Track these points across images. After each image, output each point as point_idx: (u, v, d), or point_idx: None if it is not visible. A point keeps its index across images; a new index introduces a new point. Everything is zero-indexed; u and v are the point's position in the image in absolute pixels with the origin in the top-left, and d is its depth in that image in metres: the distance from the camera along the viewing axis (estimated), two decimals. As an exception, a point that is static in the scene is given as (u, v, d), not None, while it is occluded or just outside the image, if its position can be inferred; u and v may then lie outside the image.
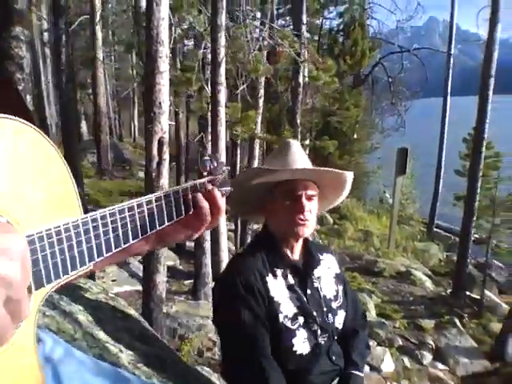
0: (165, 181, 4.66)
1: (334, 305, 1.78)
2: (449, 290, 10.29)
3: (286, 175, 1.69)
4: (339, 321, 1.77)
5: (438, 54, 17.38)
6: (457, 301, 9.68)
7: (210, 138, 5.54)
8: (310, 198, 1.70)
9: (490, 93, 9.48)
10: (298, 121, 8.32)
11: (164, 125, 4.53)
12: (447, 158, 16.33)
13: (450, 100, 16.49)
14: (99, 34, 14.19)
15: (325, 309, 1.73)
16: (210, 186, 1.01)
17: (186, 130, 10.13)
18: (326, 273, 1.82)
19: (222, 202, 1.01)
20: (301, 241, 1.77)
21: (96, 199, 10.69)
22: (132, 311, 3.60)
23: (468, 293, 10.16)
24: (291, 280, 1.70)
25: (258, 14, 6.08)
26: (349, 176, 1.79)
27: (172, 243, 1.08)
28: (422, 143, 19.74)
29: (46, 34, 16.09)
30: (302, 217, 1.67)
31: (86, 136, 19.99)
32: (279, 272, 1.68)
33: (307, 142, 9.52)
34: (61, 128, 10.90)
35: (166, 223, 0.90)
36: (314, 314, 1.68)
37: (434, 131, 17.13)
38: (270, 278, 1.65)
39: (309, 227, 1.71)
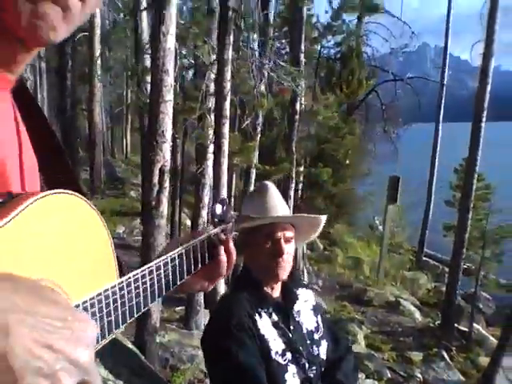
0: (164, 209, 4.66)
1: (317, 336, 1.84)
2: (437, 322, 10.30)
3: (266, 221, 1.77)
4: (323, 351, 1.83)
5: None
6: (445, 333, 9.68)
7: (209, 168, 5.58)
8: (288, 240, 1.78)
9: (483, 125, 9.63)
10: (294, 148, 8.38)
11: (166, 153, 4.54)
12: (438, 186, 16.51)
13: (441, 127, 16.76)
14: (97, 52, 14.22)
15: (308, 341, 1.79)
16: (223, 236, 1.06)
17: (182, 152, 10.16)
18: (304, 306, 1.88)
19: (234, 250, 1.05)
20: (280, 281, 1.84)
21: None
22: (129, 344, 3.55)
23: (456, 325, 10.17)
24: (275, 317, 1.75)
25: (256, 44, 6.18)
26: (323, 219, 1.91)
27: (188, 292, 1.14)
28: (413, 169, 19.93)
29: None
30: (280, 260, 1.74)
31: (79, 152, 19.90)
32: (264, 311, 1.74)
33: (302, 168, 9.56)
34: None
35: (186, 277, 0.96)
36: (300, 348, 1.74)
37: (425, 158, 17.33)
38: (257, 317, 1.70)
39: (288, 268, 1.78)
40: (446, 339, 9.37)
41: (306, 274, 11.36)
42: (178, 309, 7.42)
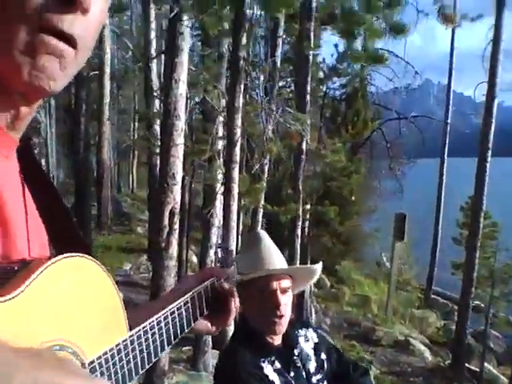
0: (173, 250, 4.70)
1: (315, 379, 1.81)
2: (447, 361, 10.13)
3: (262, 273, 1.75)
4: None
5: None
6: (456, 373, 9.52)
7: (217, 208, 5.66)
8: (284, 291, 1.76)
9: (488, 164, 9.71)
10: (300, 186, 8.45)
11: (176, 195, 4.62)
12: (444, 224, 16.48)
13: (446, 163, 16.86)
14: (107, 91, 14.53)
15: None
16: (226, 285, 1.09)
17: (190, 190, 10.26)
18: (305, 346, 1.86)
19: (237, 296, 1.09)
20: None
21: (94, 256, 10.59)
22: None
23: (467, 364, 10.00)
24: (278, 364, 1.74)
25: (263, 90, 6.33)
26: (319, 268, 1.89)
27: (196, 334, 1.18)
28: (419, 206, 19.96)
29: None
30: (277, 312, 1.72)
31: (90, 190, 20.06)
32: (267, 359, 1.74)
33: (308, 206, 9.61)
34: (75, 190, 11.08)
35: (192, 324, 1.00)
36: None
37: (431, 194, 17.35)
38: (262, 365, 1.71)
39: (286, 321, 1.76)
40: (456, 379, 9.20)
41: (313, 312, 11.25)
42: (185, 349, 7.36)
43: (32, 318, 0.60)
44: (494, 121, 9.88)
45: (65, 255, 0.65)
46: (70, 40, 0.63)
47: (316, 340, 1.92)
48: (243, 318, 1.85)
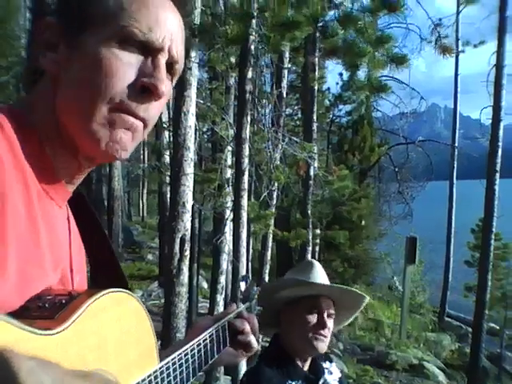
0: (185, 277, 4.81)
1: None
2: (463, 385, 10.00)
3: (312, 290, 1.80)
4: None
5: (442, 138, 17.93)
6: (472, 397, 9.38)
7: (227, 234, 5.80)
8: (330, 316, 1.81)
9: (496, 187, 9.76)
10: (309, 211, 8.55)
11: (187, 223, 4.75)
12: (456, 246, 16.41)
13: (455, 186, 16.90)
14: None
15: None
16: (246, 314, 1.15)
17: (199, 216, 10.39)
18: (329, 378, 1.90)
19: (257, 326, 1.16)
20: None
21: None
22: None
23: (483, 388, 9.86)
24: None
25: (270, 120, 6.51)
26: (366, 299, 1.92)
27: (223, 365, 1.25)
28: (429, 229, 19.87)
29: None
30: (322, 332, 1.76)
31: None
32: (293, 381, 1.77)
33: (318, 231, 9.69)
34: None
35: (216, 356, 1.07)
36: None
37: (441, 217, 17.30)
38: None
39: (326, 343, 1.80)
40: (473, 404, 9.07)
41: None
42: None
43: (77, 350, 0.66)
44: (500, 144, 9.97)
45: (108, 290, 0.72)
46: (143, 120, 0.76)
47: (339, 375, 1.97)
48: (276, 339, 1.89)
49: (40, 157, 0.73)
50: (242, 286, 1.24)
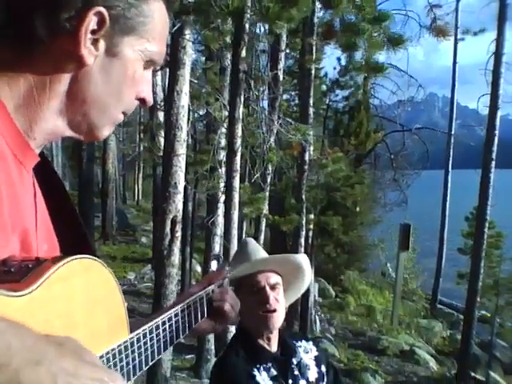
0: (176, 258, 4.78)
1: None
2: (453, 371, 10.09)
3: (246, 269, 1.79)
4: None
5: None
6: (462, 383, 9.46)
7: (220, 217, 5.76)
8: (273, 288, 1.78)
9: (492, 175, 9.75)
10: (304, 196, 8.51)
11: (178, 204, 4.71)
12: (449, 233, 16.48)
13: (451, 174, 16.93)
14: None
15: None
16: (216, 289, 1.18)
17: (193, 200, 10.36)
18: (305, 357, 1.87)
19: (235, 299, 1.19)
20: (276, 332, 1.83)
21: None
22: (140, 394, 3.58)
23: (473, 374, 9.94)
24: (274, 371, 1.75)
25: (265, 102, 6.46)
26: (303, 258, 1.90)
27: (201, 334, 1.26)
28: (424, 216, 19.97)
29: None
30: (268, 307, 1.74)
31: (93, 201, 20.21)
32: (262, 366, 1.75)
33: (312, 216, 9.66)
34: (78, 201, 11.25)
35: (188, 331, 1.07)
36: None
37: (435, 205, 17.36)
38: (256, 373, 1.72)
39: (279, 317, 1.77)
40: (462, 390, 9.16)
41: (318, 321, 11.25)
42: (188, 357, 7.39)
43: (44, 315, 0.63)
44: (497, 132, 9.94)
45: (76, 256, 0.70)
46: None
47: (316, 353, 1.93)
48: (239, 327, 1.88)
49: (6, 121, 0.71)
50: (214, 264, 1.25)
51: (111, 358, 0.77)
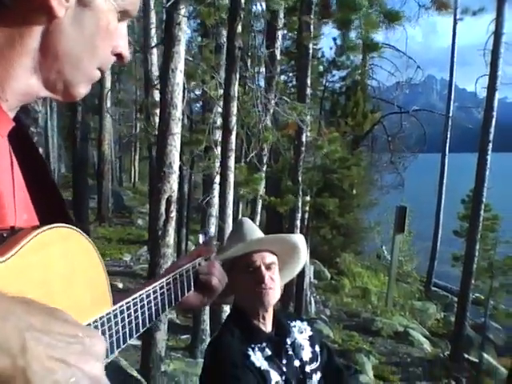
0: (170, 238, 4.75)
1: (308, 368, 1.82)
2: (447, 353, 10.18)
3: (241, 249, 1.78)
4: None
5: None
6: (455, 364, 9.56)
7: (215, 198, 5.72)
8: (268, 267, 1.78)
9: (489, 157, 9.72)
10: (300, 178, 8.47)
11: (173, 184, 4.66)
12: (445, 216, 16.50)
13: (448, 157, 16.92)
14: (108, 84, 14.53)
15: (301, 376, 1.79)
16: (203, 262, 1.17)
17: (189, 181, 10.31)
18: (299, 337, 1.87)
19: (222, 271, 1.18)
20: (271, 310, 1.82)
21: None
22: (134, 373, 3.59)
23: (466, 355, 10.05)
24: (268, 351, 1.75)
25: (262, 80, 6.37)
26: (299, 238, 1.89)
27: (189, 308, 1.22)
28: (420, 199, 19.97)
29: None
30: (263, 286, 1.74)
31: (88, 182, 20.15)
32: (257, 346, 1.75)
33: (308, 198, 9.64)
34: (72, 182, 11.15)
35: (174, 303, 1.06)
36: (293, 382, 1.74)
37: (432, 187, 17.37)
38: (251, 352, 1.72)
39: (274, 294, 1.77)
40: (455, 370, 9.25)
41: (313, 303, 11.31)
42: (183, 337, 7.41)
43: (20, 283, 0.61)
44: (495, 114, 9.87)
45: (54, 225, 0.68)
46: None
47: (310, 333, 1.93)
48: (234, 306, 1.87)
49: None
50: (201, 239, 1.23)
51: (98, 327, 0.76)
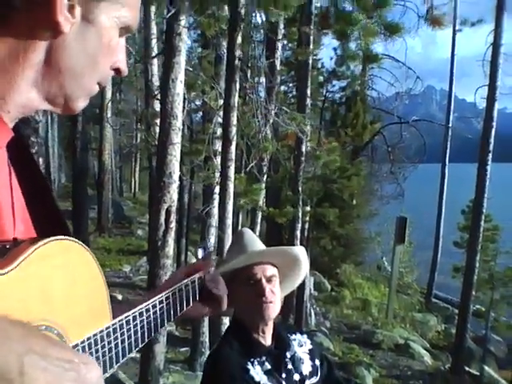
0: (170, 249, 4.72)
1: (309, 382, 1.80)
2: (447, 365, 10.09)
3: (242, 261, 1.76)
4: None
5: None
6: (456, 377, 9.48)
7: (215, 208, 5.69)
8: (269, 280, 1.76)
9: (489, 168, 9.71)
10: (300, 188, 8.45)
11: (173, 194, 4.64)
12: (445, 226, 16.47)
13: (448, 168, 16.92)
14: (108, 94, 14.56)
15: None
16: (200, 274, 1.15)
17: (189, 191, 10.30)
18: (299, 351, 1.85)
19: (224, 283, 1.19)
20: (271, 324, 1.80)
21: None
22: (132, 385, 3.56)
23: (467, 368, 9.96)
24: (268, 365, 1.73)
25: (262, 90, 6.39)
26: (300, 251, 1.87)
27: (189, 318, 1.24)
28: (420, 210, 19.95)
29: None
30: (264, 299, 1.72)
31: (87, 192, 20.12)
32: (256, 360, 1.73)
33: (308, 208, 9.62)
34: (72, 192, 11.12)
35: (173, 319, 1.04)
36: None
37: (432, 198, 17.35)
38: (250, 366, 1.70)
39: (274, 308, 1.75)
40: (456, 383, 9.16)
41: (313, 315, 11.24)
42: (182, 350, 7.36)
43: (21, 297, 0.62)
44: (494, 124, 9.87)
45: (56, 237, 0.68)
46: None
47: (310, 346, 1.91)
48: (234, 319, 1.86)
49: None
50: (200, 253, 1.21)
51: (93, 344, 0.75)
